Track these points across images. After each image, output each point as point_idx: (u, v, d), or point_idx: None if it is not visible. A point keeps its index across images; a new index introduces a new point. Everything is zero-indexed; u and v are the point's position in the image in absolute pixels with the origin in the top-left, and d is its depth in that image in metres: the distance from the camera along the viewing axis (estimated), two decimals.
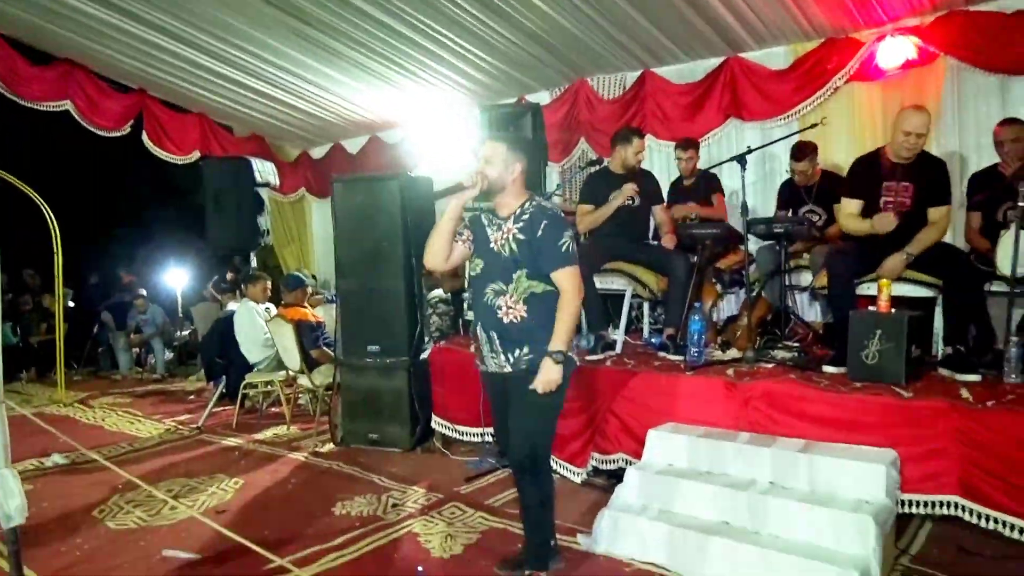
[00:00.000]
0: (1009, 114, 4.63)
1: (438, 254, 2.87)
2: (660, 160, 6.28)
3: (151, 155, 8.24)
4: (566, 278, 2.74)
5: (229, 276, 9.08)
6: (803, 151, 4.90)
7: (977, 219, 4.40)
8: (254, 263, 7.42)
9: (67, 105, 7.43)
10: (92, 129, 7.70)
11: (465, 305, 5.24)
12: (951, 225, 4.76)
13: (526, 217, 2.78)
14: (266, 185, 7.09)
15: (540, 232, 2.71)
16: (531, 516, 2.97)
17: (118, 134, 7.92)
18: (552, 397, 2.76)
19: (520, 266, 2.76)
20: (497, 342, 2.80)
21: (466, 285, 2.85)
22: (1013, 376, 3.33)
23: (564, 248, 2.73)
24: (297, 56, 6.82)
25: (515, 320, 2.76)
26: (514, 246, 2.77)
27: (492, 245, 2.82)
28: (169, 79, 7.73)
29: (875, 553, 2.68)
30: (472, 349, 3.02)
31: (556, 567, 2.99)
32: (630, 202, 4.57)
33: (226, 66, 7.23)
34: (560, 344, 2.69)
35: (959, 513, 2.97)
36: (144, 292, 9.68)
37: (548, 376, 2.68)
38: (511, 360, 2.79)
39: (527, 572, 2.94)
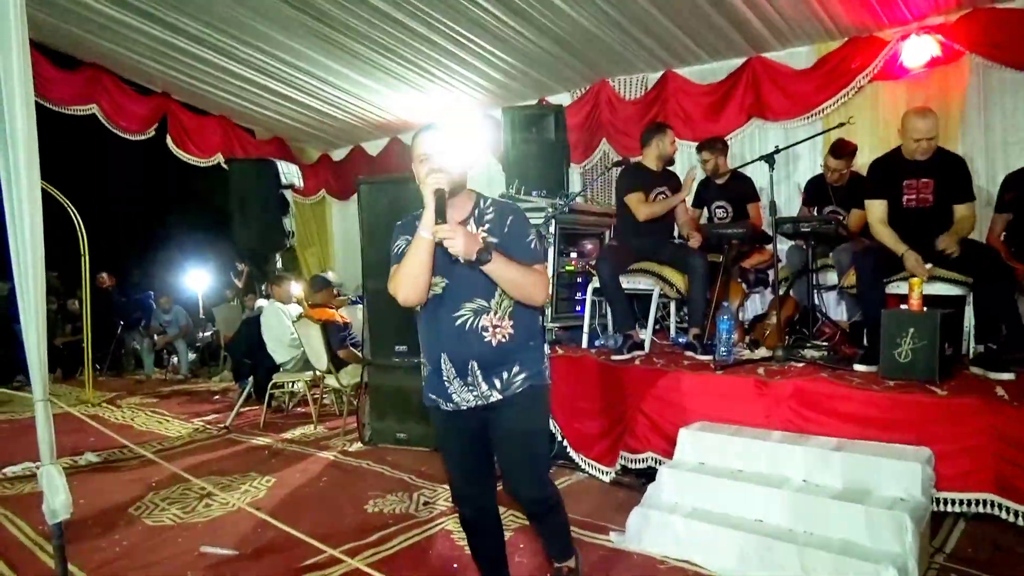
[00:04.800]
0: None
1: (420, 288, 2.23)
2: (683, 160, 6.28)
3: (173, 158, 8.33)
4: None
5: (240, 267, 9.15)
6: (843, 149, 4.83)
7: (1002, 222, 4.38)
8: (279, 264, 7.49)
9: (93, 109, 7.52)
10: (117, 132, 7.79)
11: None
12: (977, 223, 4.77)
13: (490, 215, 2.34)
14: (290, 187, 7.16)
15: (507, 228, 2.31)
16: (554, 531, 2.64)
17: (142, 137, 8.02)
18: (545, 417, 2.56)
19: None
20: (478, 372, 2.30)
21: (418, 308, 2.37)
22: None
23: (532, 244, 2.33)
24: (318, 58, 6.88)
25: (503, 340, 2.30)
26: None
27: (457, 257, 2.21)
28: (191, 82, 7.82)
29: (911, 550, 2.67)
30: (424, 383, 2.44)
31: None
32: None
33: (247, 69, 7.30)
34: (502, 257, 2.19)
35: (994, 511, 2.96)
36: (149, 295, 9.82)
37: (467, 246, 2.12)
38: (499, 385, 2.31)
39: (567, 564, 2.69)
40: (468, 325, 2.28)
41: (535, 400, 2.39)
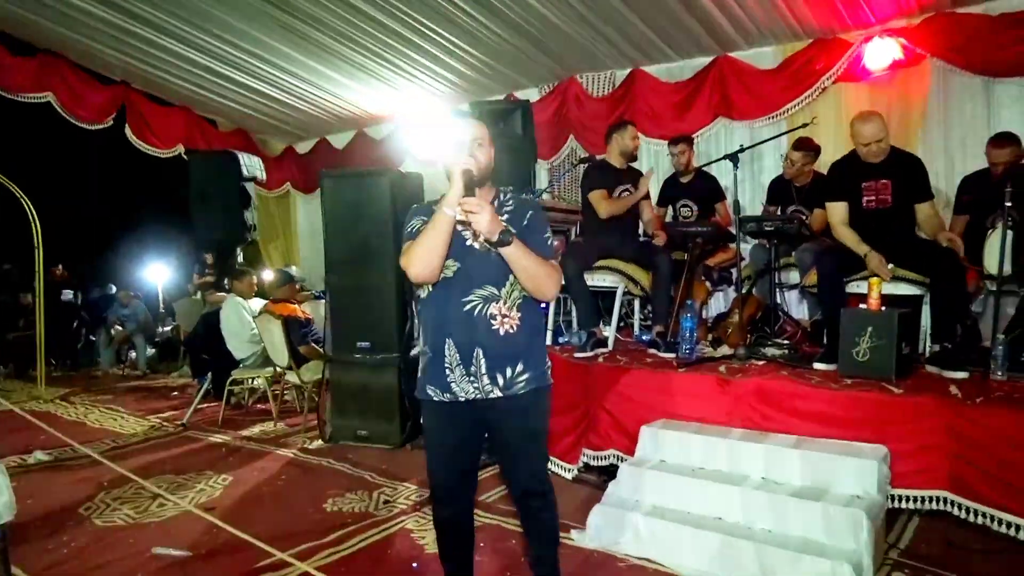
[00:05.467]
0: (994, 116, 4.72)
1: (434, 265, 2.22)
2: (649, 157, 6.30)
3: (134, 149, 8.13)
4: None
5: (208, 260, 8.95)
6: (802, 143, 4.89)
7: (962, 223, 4.45)
8: (240, 258, 7.36)
9: (49, 97, 7.31)
10: (74, 122, 7.58)
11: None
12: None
13: (510, 207, 2.36)
14: (252, 179, 7.04)
15: (527, 221, 2.32)
16: (549, 534, 2.56)
17: (100, 127, 7.81)
18: (547, 418, 2.51)
19: None
20: (483, 361, 2.26)
21: (422, 293, 2.38)
22: (999, 373, 3.38)
23: (549, 241, 2.36)
24: (283, 49, 6.77)
25: (510, 331, 2.28)
26: None
27: (472, 243, 2.27)
28: (152, 71, 7.64)
29: (867, 547, 2.71)
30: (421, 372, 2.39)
31: None
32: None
33: (210, 59, 7.16)
34: (521, 243, 2.18)
35: (947, 508, 3.01)
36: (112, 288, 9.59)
37: (491, 224, 2.11)
38: (501, 382, 2.27)
39: None
40: (477, 311, 2.26)
41: (540, 402, 2.39)
